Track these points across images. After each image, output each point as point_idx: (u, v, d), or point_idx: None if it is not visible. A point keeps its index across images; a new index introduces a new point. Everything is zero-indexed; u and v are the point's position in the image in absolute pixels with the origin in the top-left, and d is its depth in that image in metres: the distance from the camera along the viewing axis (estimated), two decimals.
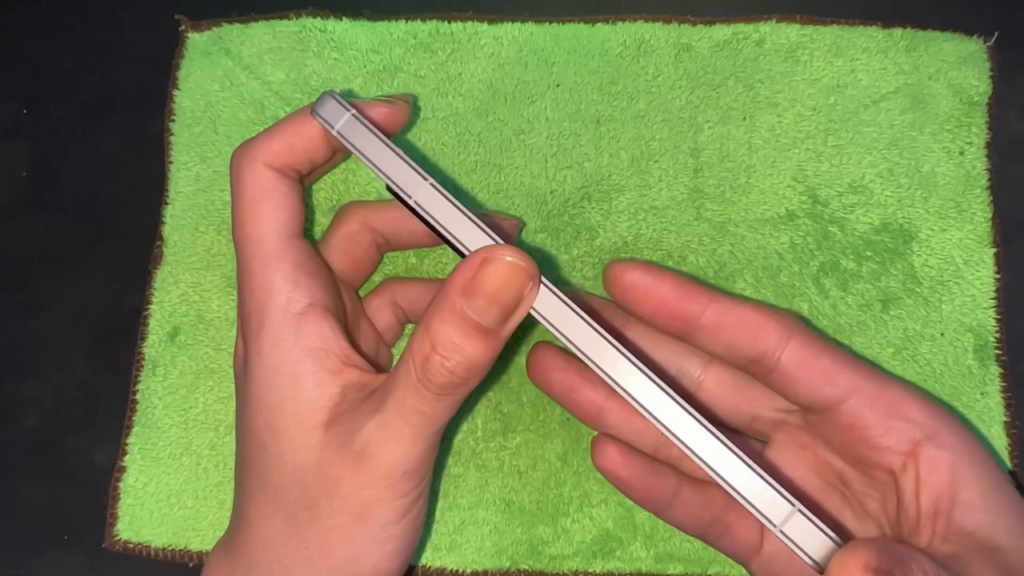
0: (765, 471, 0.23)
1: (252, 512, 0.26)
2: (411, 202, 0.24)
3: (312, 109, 0.26)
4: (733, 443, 0.23)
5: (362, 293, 0.32)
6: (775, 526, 0.22)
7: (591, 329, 0.23)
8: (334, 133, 0.25)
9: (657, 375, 0.23)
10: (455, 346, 0.23)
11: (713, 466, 0.23)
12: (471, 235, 0.24)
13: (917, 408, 0.25)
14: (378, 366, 0.29)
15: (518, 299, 0.23)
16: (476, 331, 0.23)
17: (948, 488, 0.24)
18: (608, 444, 0.27)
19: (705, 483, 0.27)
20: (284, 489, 0.25)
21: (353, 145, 0.25)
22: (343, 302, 0.29)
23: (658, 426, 0.23)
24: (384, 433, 0.24)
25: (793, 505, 0.22)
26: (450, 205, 0.24)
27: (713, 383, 0.28)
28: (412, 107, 0.30)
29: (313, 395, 0.25)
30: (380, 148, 0.25)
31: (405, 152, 0.25)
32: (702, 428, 0.23)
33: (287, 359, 0.25)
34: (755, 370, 0.26)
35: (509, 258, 0.22)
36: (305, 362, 0.25)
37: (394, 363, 0.31)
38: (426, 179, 0.24)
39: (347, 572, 0.25)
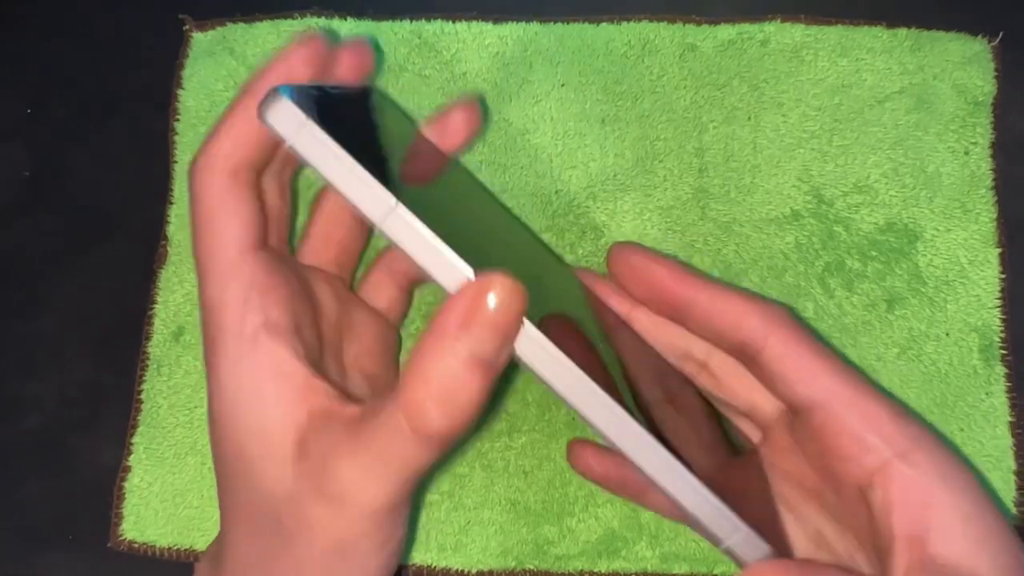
0: (717, 490, 0.22)
1: (232, 535, 0.25)
2: (380, 231, 0.21)
3: (259, 113, 0.21)
4: (689, 467, 0.22)
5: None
6: (722, 543, 0.22)
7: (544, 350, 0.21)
8: (287, 147, 0.21)
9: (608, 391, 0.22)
10: (454, 389, 0.21)
11: (662, 482, 0.22)
12: (448, 269, 0.21)
13: (893, 423, 0.23)
14: (380, 364, 0.29)
15: (518, 322, 0.21)
16: (478, 367, 0.21)
17: (921, 512, 0.23)
18: (583, 447, 0.29)
19: None
20: (259, 518, 0.24)
21: (309, 160, 0.21)
22: (312, 312, 0.27)
23: (600, 429, 0.22)
24: (366, 479, 0.22)
25: (740, 529, 0.22)
26: (424, 234, 0.21)
27: (717, 366, 0.28)
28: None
29: (277, 424, 0.23)
30: (342, 164, 0.21)
31: (378, 157, 0.22)
32: (649, 439, 0.22)
33: (245, 386, 0.24)
34: (742, 360, 0.26)
35: (505, 282, 0.21)
36: (264, 388, 0.24)
37: (402, 348, 0.31)
38: (394, 205, 0.21)
39: None
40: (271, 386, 0.24)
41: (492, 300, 0.20)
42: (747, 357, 0.26)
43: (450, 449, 0.23)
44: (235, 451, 0.24)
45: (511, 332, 0.21)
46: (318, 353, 0.26)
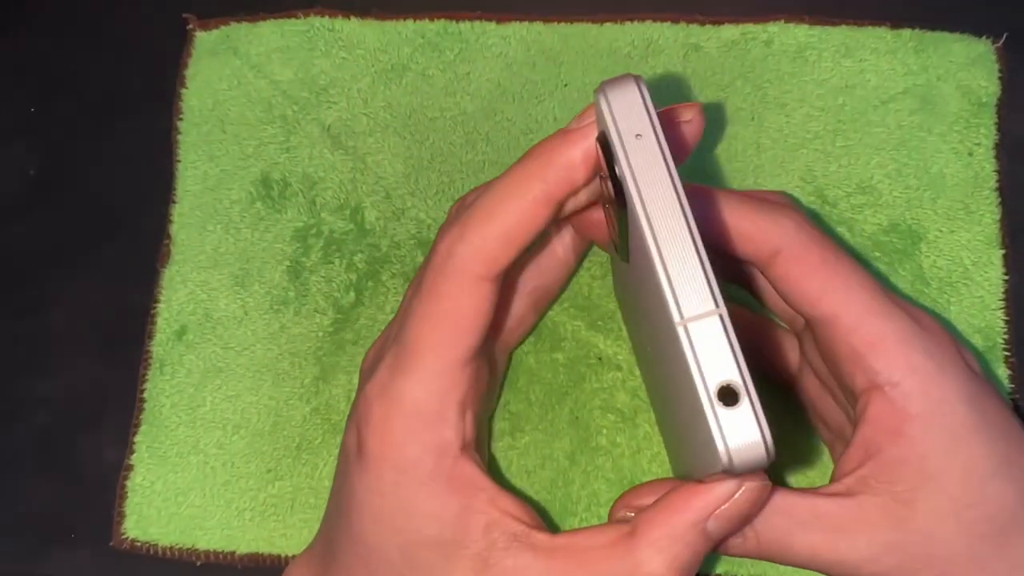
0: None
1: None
2: (675, 329, 0.18)
3: (600, 92, 0.19)
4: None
5: None
6: (682, 318, 0.19)
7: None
8: (612, 139, 0.18)
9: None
10: (686, 560, 0.22)
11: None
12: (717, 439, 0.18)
13: (897, 348, 0.23)
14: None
15: (752, 518, 0.23)
16: (709, 541, 0.22)
17: (887, 438, 0.23)
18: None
19: None
20: None
21: (634, 177, 0.18)
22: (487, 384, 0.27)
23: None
24: None
25: (717, 307, 0.19)
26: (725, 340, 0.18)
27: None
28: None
29: (462, 537, 0.23)
30: (666, 199, 0.18)
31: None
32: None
33: (431, 497, 0.23)
34: (758, 268, 0.26)
35: (762, 488, 0.21)
36: (452, 502, 0.23)
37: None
38: (715, 310, 0.18)
39: None
40: (461, 500, 0.23)
41: (747, 499, 0.22)
42: (760, 269, 0.25)
43: None
44: (400, 550, 0.24)
45: (745, 523, 0.23)
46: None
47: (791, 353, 0.29)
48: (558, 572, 0.23)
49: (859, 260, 0.29)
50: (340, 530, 0.25)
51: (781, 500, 0.24)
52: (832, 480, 0.25)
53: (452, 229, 0.23)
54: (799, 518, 0.24)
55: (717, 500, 0.22)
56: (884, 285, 0.25)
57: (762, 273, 0.25)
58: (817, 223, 0.31)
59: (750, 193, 0.27)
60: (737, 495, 0.21)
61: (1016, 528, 0.23)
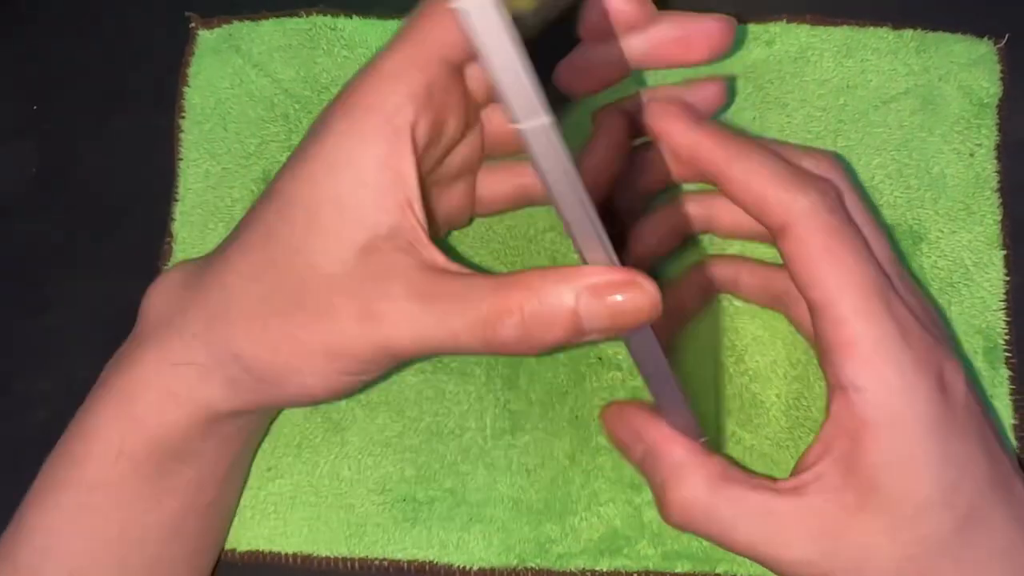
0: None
1: (237, 261, 0.25)
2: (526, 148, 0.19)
3: None
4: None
5: None
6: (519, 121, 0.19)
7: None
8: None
9: None
10: (544, 324, 0.21)
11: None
12: (592, 237, 0.20)
13: (875, 353, 0.23)
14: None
15: (627, 331, 0.22)
16: (574, 329, 0.21)
17: (847, 445, 0.24)
18: None
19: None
20: (283, 272, 0.24)
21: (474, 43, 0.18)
22: (462, 146, 0.27)
23: None
24: (412, 323, 0.22)
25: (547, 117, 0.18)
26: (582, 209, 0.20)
27: None
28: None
29: (369, 212, 0.23)
30: (505, 57, 0.18)
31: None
32: None
33: (363, 164, 0.23)
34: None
35: (653, 291, 0.21)
36: (380, 179, 0.23)
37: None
38: (548, 124, 0.18)
39: (281, 373, 0.24)
40: (387, 182, 0.23)
41: (634, 301, 0.21)
42: (770, 234, 0.25)
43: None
44: (305, 204, 0.24)
45: (616, 331, 0.22)
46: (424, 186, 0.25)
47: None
48: (429, 295, 0.23)
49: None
50: (234, 241, 0.25)
51: (733, 490, 0.24)
52: (793, 470, 0.25)
53: None
54: (747, 510, 0.24)
55: (597, 280, 0.21)
56: (904, 283, 0.25)
57: (772, 237, 0.25)
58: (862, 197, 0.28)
59: (792, 150, 0.26)
60: (631, 293, 0.21)
61: (945, 557, 0.23)
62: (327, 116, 0.24)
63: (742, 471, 0.25)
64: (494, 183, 0.30)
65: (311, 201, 0.24)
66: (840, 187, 0.25)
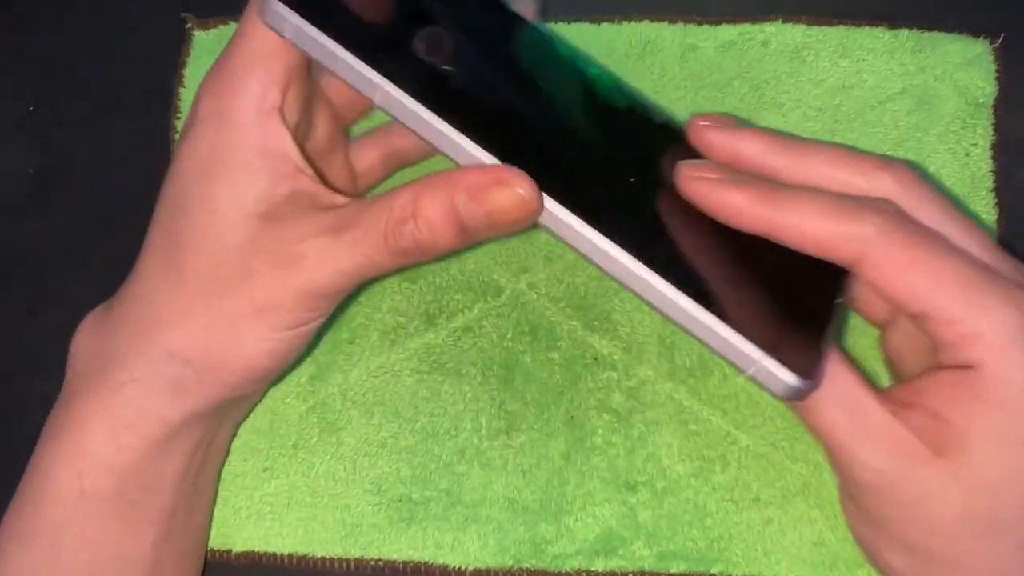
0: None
1: (148, 269, 0.26)
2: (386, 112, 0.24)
3: (257, 13, 0.25)
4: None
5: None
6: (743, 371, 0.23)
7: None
8: (287, 39, 0.24)
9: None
10: (432, 227, 0.23)
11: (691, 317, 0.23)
12: (458, 144, 0.24)
13: (991, 345, 0.23)
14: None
15: (510, 227, 0.24)
16: (459, 229, 0.24)
17: (961, 401, 0.23)
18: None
19: None
20: (193, 256, 0.25)
21: (310, 53, 0.24)
22: (319, 121, 0.29)
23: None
24: (326, 256, 0.24)
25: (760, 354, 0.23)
26: (418, 110, 0.23)
27: None
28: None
29: (263, 186, 0.25)
30: (328, 51, 0.24)
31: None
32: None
33: (246, 142, 0.25)
34: None
35: (522, 191, 0.23)
36: (266, 153, 0.25)
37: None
38: (377, 85, 0.24)
39: (219, 351, 0.25)
40: (272, 156, 0.25)
41: (505, 196, 0.23)
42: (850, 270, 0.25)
43: (402, 267, 0.25)
44: (200, 190, 0.25)
45: (501, 227, 0.24)
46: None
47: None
48: (335, 230, 0.25)
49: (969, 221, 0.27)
50: (139, 258, 0.27)
51: (852, 384, 0.24)
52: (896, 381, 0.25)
53: None
54: (851, 404, 0.24)
55: (472, 181, 0.23)
56: (991, 253, 0.25)
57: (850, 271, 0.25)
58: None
59: (843, 163, 0.25)
60: (500, 190, 0.23)
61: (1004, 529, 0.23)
62: (203, 108, 0.26)
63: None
64: (365, 156, 0.32)
65: (205, 193, 0.25)
66: (901, 194, 0.25)
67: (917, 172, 0.25)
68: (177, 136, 0.35)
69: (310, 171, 0.26)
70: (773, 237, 0.24)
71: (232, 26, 0.35)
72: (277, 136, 0.25)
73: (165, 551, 0.27)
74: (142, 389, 0.25)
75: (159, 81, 0.35)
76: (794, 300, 0.25)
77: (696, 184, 0.25)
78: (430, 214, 0.23)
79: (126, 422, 0.25)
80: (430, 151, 0.26)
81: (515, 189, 0.23)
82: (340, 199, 0.26)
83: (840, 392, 0.24)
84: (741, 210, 0.24)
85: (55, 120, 0.36)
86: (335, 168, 0.30)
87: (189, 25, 0.36)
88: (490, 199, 0.23)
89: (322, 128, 0.29)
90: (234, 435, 0.31)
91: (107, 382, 0.26)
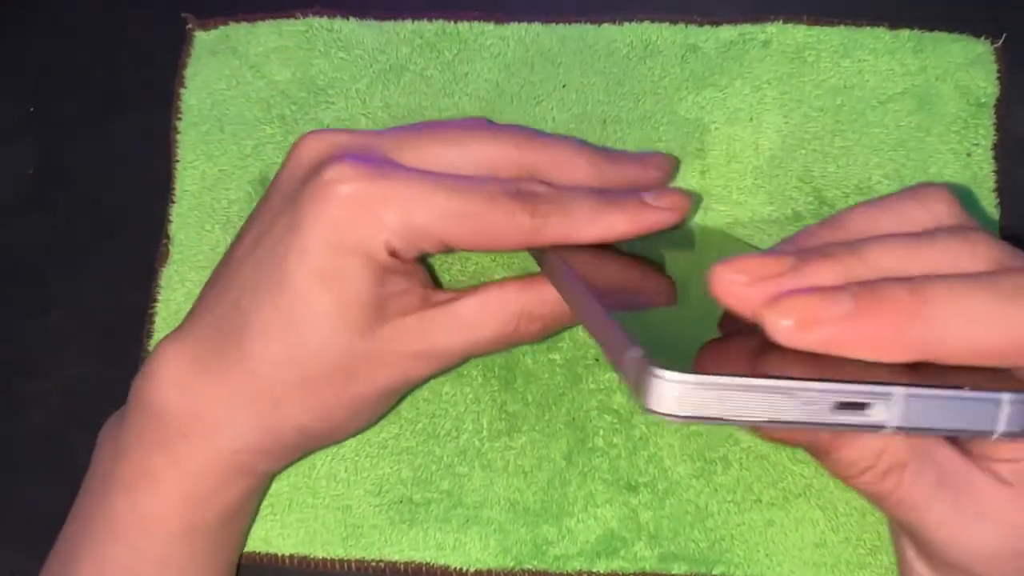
0: None
1: (257, 349, 0.26)
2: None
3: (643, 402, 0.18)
4: None
5: None
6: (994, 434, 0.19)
7: None
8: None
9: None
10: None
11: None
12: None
13: None
14: None
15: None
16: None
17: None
18: None
19: None
20: (318, 347, 0.25)
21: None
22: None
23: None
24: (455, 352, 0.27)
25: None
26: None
27: None
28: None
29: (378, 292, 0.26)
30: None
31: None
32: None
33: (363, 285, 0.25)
34: None
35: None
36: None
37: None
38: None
39: (339, 429, 0.28)
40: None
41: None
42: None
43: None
44: (318, 296, 0.25)
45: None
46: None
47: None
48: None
49: None
50: (246, 329, 0.26)
51: (942, 454, 0.21)
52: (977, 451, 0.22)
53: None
54: (949, 482, 0.21)
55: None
56: None
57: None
58: None
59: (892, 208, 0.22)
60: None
61: None
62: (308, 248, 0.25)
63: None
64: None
65: (324, 298, 0.25)
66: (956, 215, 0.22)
67: (944, 188, 0.23)
68: (179, 136, 0.35)
69: (426, 280, 0.28)
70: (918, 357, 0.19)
71: (233, 26, 0.35)
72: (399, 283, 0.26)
73: (230, 571, 0.30)
74: (254, 455, 0.27)
75: (159, 81, 0.35)
76: None
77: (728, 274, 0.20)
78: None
79: (241, 474, 0.28)
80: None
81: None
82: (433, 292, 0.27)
83: (936, 473, 0.21)
84: (880, 340, 0.19)
85: (54, 121, 0.36)
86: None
87: (190, 25, 0.35)
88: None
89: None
90: None
91: (218, 444, 0.27)
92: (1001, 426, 0.19)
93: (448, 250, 0.26)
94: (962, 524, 0.21)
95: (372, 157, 0.26)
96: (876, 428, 0.18)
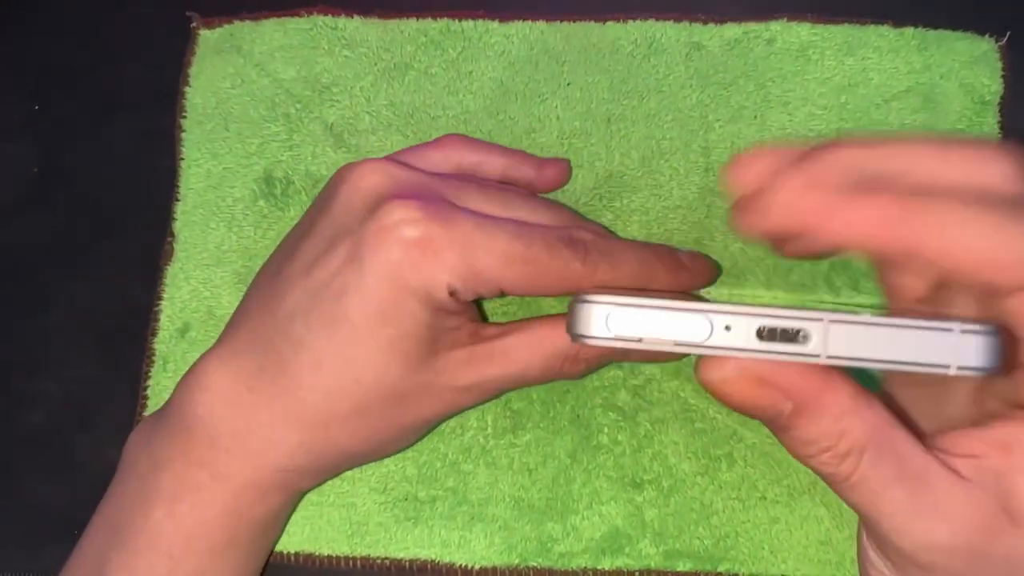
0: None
1: (304, 375, 0.26)
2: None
3: (572, 333, 0.21)
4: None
5: None
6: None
7: None
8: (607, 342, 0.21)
9: None
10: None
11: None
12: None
13: None
14: None
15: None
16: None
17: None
18: None
19: None
20: (372, 380, 0.26)
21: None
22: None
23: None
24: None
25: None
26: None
27: None
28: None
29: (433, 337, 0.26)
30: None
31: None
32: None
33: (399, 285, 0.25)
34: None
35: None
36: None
37: None
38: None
39: (382, 450, 0.29)
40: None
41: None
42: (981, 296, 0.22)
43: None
44: (359, 331, 0.25)
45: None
46: None
47: None
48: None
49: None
50: (294, 357, 0.26)
51: (902, 444, 0.21)
52: (937, 439, 0.22)
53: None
54: (906, 472, 0.21)
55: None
56: None
57: (976, 299, 0.22)
58: None
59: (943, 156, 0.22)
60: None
61: None
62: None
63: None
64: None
65: (386, 339, 0.25)
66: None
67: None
68: (184, 134, 0.35)
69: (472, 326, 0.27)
70: (903, 258, 0.21)
71: (237, 25, 0.35)
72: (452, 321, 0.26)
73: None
74: (302, 475, 0.28)
75: (160, 81, 0.35)
76: None
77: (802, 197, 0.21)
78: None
79: (280, 491, 0.28)
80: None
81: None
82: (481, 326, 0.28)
83: (895, 461, 0.21)
84: (870, 232, 0.21)
85: (57, 120, 0.36)
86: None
87: (194, 24, 0.35)
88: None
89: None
90: None
91: (263, 462, 0.27)
92: (956, 359, 0.19)
93: (501, 295, 0.26)
94: (915, 515, 0.21)
95: (433, 197, 0.26)
96: (808, 357, 0.20)
